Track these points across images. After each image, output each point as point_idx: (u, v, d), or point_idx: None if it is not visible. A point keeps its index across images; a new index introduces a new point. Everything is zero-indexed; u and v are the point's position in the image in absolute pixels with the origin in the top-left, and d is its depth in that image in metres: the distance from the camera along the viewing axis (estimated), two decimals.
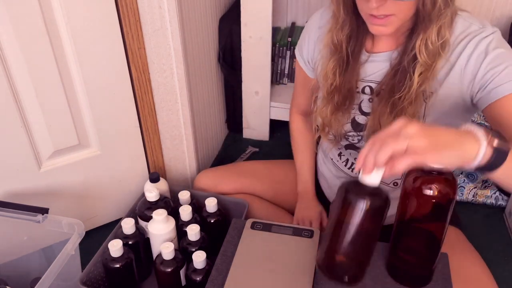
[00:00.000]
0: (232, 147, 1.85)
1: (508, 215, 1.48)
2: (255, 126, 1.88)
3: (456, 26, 0.84)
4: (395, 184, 1.03)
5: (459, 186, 1.56)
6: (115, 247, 0.98)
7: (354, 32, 0.90)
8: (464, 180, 1.56)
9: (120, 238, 1.08)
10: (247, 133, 1.91)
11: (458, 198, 1.56)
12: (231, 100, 1.84)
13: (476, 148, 0.58)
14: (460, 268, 0.88)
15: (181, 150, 1.45)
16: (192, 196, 1.20)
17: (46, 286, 0.90)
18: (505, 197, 1.53)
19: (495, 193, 1.54)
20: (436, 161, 0.58)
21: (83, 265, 1.06)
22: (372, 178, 0.60)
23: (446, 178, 0.66)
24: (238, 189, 1.23)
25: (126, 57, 1.23)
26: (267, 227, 0.88)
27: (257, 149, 1.83)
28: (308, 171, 1.20)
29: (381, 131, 0.60)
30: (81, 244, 1.01)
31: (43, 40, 1.09)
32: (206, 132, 1.61)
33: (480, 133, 0.59)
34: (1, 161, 1.17)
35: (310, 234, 0.86)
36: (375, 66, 0.92)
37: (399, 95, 0.86)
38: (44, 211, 1.04)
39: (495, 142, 0.58)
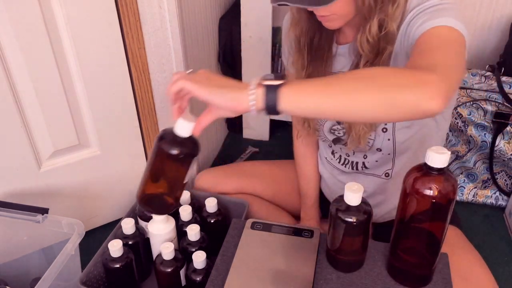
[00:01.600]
0: (232, 147, 1.85)
1: (508, 215, 1.48)
2: (255, 126, 1.88)
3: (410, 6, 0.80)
4: (387, 175, 1.03)
5: (459, 186, 1.56)
6: (115, 247, 0.98)
7: (311, 27, 0.91)
8: (464, 180, 1.56)
9: (120, 238, 1.08)
10: (247, 133, 1.92)
11: (458, 198, 1.56)
12: None
13: (246, 96, 0.60)
14: (460, 268, 0.88)
15: None
16: (192, 196, 1.20)
17: (46, 286, 0.90)
18: (505, 197, 1.53)
19: (495, 193, 1.54)
20: (207, 96, 0.62)
21: (83, 265, 1.05)
22: (180, 130, 0.68)
23: (446, 178, 0.66)
24: (238, 189, 1.23)
25: (126, 57, 1.23)
26: (267, 227, 0.88)
27: (257, 149, 1.83)
28: (312, 198, 1.21)
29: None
30: (81, 244, 1.01)
31: (43, 40, 1.09)
32: (206, 132, 1.61)
33: (253, 81, 0.61)
34: (1, 161, 1.17)
35: (310, 234, 0.86)
36: (344, 57, 0.95)
37: None
38: (44, 211, 1.04)
39: (265, 82, 0.60)
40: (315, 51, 0.95)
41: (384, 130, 0.96)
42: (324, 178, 1.18)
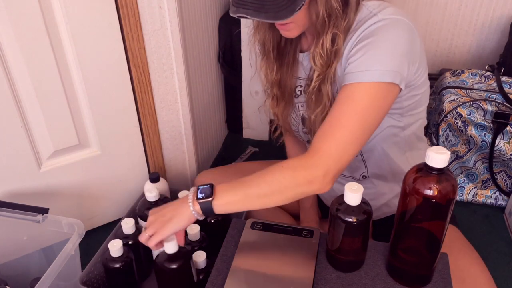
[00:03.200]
0: (232, 147, 1.85)
1: (508, 215, 1.48)
2: (255, 126, 1.88)
3: (358, 30, 0.83)
4: (364, 176, 1.04)
5: (459, 186, 1.56)
6: (115, 247, 0.98)
7: (274, 33, 0.92)
8: (464, 180, 1.56)
9: (120, 238, 1.08)
10: (247, 133, 1.92)
11: (458, 198, 1.56)
12: (231, 100, 1.84)
13: (189, 211, 0.78)
14: (458, 267, 0.88)
15: (181, 150, 1.45)
16: None
17: (46, 286, 0.90)
18: (505, 197, 1.53)
19: (495, 193, 1.54)
20: (169, 232, 0.79)
21: (83, 265, 1.05)
22: (170, 250, 0.83)
23: (446, 178, 0.66)
24: None
25: (126, 57, 1.23)
26: (267, 227, 0.88)
27: (257, 149, 1.83)
28: (310, 200, 1.21)
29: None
30: (81, 244, 1.01)
31: (43, 40, 1.09)
32: (206, 132, 1.61)
33: (190, 197, 0.79)
34: (1, 161, 1.17)
35: (310, 234, 0.86)
36: (307, 64, 0.95)
37: (309, 89, 0.90)
38: (44, 211, 1.04)
39: (199, 201, 0.78)
40: (281, 57, 0.96)
41: None
42: None
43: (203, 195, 0.78)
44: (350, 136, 0.79)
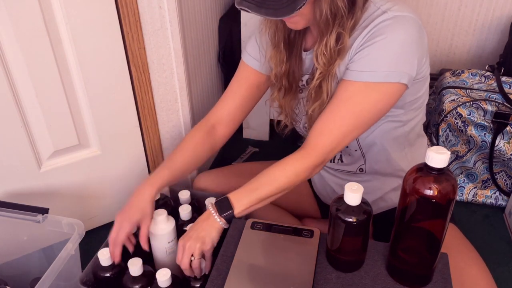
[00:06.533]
0: (232, 147, 1.85)
1: (508, 215, 1.48)
2: (255, 126, 1.88)
3: (364, 29, 0.84)
4: (361, 170, 1.04)
5: (459, 186, 1.56)
6: (105, 256, 0.96)
7: (284, 26, 0.93)
8: (464, 180, 1.56)
9: None
10: (247, 133, 1.92)
11: (458, 198, 1.56)
12: None
13: (218, 225, 0.87)
14: (459, 267, 0.88)
15: None
16: (192, 196, 1.20)
17: (46, 286, 0.90)
18: (505, 197, 1.53)
19: (495, 193, 1.54)
20: (207, 248, 0.86)
21: (83, 265, 1.05)
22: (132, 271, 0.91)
23: (446, 178, 0.66)
24: None
25: (126, 57, 1.23)
26: (267, 227, 0.88)
27: (257, 149, 1.83)
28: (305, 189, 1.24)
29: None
30: (81, 244, 1.01)
31: (43, 40, 1.09)
32: None
33: (214, 214, 0.87)
34: (1, 161, 1.17)
35: (310, 234, 0.86)
36: (310, 62, 0.96)
37: (311, 88, 0.92)
38: (44, 211, 1.04)
39: (224, 216, 0.87)
40: (291, 48, 0.97)
41: None
42: (314, 180, 1.22)
43: (224, 210, 0.87)
44: (347, 132, 0.86)
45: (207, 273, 0.90)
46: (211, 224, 0.87)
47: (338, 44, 0.84)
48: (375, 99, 0.84)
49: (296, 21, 0.85)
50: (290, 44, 0.97)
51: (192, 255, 0.85)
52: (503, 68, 1.52)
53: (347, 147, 1.01)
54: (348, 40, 0.84)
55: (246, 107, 1.10)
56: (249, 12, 0.80)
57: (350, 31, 0.84)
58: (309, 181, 1.26)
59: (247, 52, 1.06)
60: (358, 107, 0.84)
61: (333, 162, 1.08)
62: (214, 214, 0.87)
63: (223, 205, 0.87)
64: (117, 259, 0.94)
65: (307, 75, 0.99)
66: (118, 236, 0.94)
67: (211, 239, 0.86)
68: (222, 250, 0.85)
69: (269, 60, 1.00)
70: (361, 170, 1.05)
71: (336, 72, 0.88)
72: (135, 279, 0.93)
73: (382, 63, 0.81)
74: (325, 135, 0.86)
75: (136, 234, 1.00)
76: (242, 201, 0.87)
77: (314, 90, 0.91)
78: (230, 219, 0.88)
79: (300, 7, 0.77)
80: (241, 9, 0.80)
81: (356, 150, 1.01)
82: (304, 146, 0.88)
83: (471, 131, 1.46)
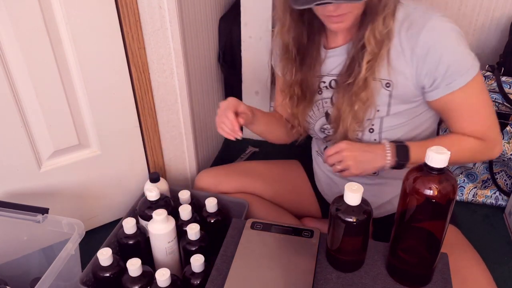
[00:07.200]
0: (232, 147, 1.85)
1: (508, 215, 1.48)
2: None
3: (398, 13, 0.88)
4: (374, 172, 1.04)
5: (459, 186, 1.56)
6: (105, 256, 0.96)
7: (300, 34, 0.96)
8: (464, 180, 1.56)
9: (121, 238, 1.08)
10: (247, 133, 1.91)
11: (458, 198, 1.56)
12: None
13: (384, 162, 0.92)
14: (459, 267, 0.88)
15: (181, 150, 1.45)
16: (192, 195, 1.20)
17: (46, 286, 0.90)
18: (505, 197, 1.53)
19: (495, 193, 1.54)
20: (359, 173, 0.93)
21: (83, 265, 1.05)
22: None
23: (446, 178, 0.66)
24: (239, 189, 1.23)
25: (126, 57, 1.23)
26: (267, 227, 0.88)
27: (257, 149, 1.83)
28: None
29: (328, 151, 0.95)
30: (81, 244, 1.01)
31: (43, 40, 1.09)
32: (206, 132, 1.61)
33: (388, 150, 0.91)
34: (1, 161, 1.17)
35: (310, 234, 0.86)
36: (335, 61, 0.98)
37: (351, 83, 0.92)
38: (44, 211, 1.04)
39: (397, 158, 0.91)
40: (303, 57, 0.98)
41: (371, 130, 0.98)
42: (316, 173, 1.21)
43: (401, 156, 0.91)
44: (494, 119, 0.97)
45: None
46: (380, 159, 0.92)
47: (385, 28, 0.87)
48: (482, 82, 0.93)
49: (345, 18, 0.86)
50: (303, 53, 0.98)
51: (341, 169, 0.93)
52: (503, 68, 1.52)
53: None
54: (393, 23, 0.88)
55: None
56: (330, 3, 0.79)
57: (392, 15, 0.88)
58: (310, 181, 1.26)
59: (275, 57, 1.09)
60: (483, 96, 0.93)
61: None
62: (388, 152, 0.91)
63: (401, 152, 0.91)
64: (236, 123, 0.96)
65: (330, 76, 0.99)
66: (228, 103, 0.98)
67: (371, 169, 0.93)
68: (222, 250, 0.86)
69: (280, 70, 1.03)
70: (374, 173, 1.04)
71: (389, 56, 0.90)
72: (135, 279, 0.94)
73: (464, 62, 0.88)
74: (495, 128, 0.96)
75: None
76: (419, 156, 0.88)
77: (358, 86, 0.91)
78: (397, 166, 0.92)
79: None
80: (318, 4, 0.79)
81: None
82: (486, 140, 0.95)
83: None
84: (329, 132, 1.05)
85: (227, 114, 0.95)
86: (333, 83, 1.00)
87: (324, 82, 1.01)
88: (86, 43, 1.15)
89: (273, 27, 1.61)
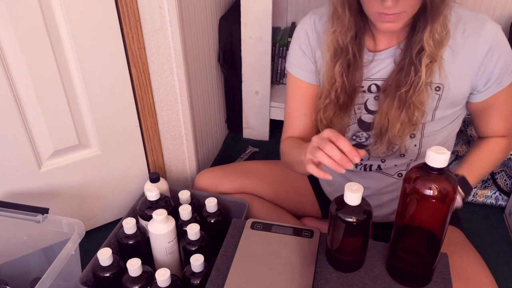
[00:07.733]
0: (232, 147, 1.85)
1: (508, 215, 1.48)
2: (255, 126, 1.88)
3: (451, 15, 0.87)
4: (400, 175, 1.03)
5: None
6: (105, 256, 0.97)
7: (357, 32, 0.90)
8: None
9: (121, 238, 1.08)
10: (247, 133, 1.92)
11: None
12: (231, 100, 1.84)
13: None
14: (460, 268, 0.88)
15: (181, 150, 1.45)
16: (192, 196, 1.21)
17: (46, 286, 0.90)
18: (505, 197, 1.53)
19: (495, 193, 1.54)
20: None
21: (83, 265, 1.05)
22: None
23: (446, 178, 0.66)
24: (239, 189, 1.23)
25: (126, 57, 1.23)
26: (267, 227, 0.88)
27: (257, 149, 1.83)
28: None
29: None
30: (81, 244, 1.01)
31: (43, 40, 1.09)
32: (206, 132, 1.61)
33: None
34: (1, 161, 1.17)
35: (310, 234, 0.86)
36: (379, 64, 0.93)
37: (406, 88, 0.88)
38: (44, 211, 1.04)
39: (465, 193, 0.89)
40: (348, 61, 0.93)
41: (412, 136, 0.96)
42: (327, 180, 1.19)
43: (466, 189, 0.90)
44: None
45: None
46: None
47: (444, 29, 0.85)
48: None
49: (400, 18, 0.81)
50: (349, 56, 0.92)
51: None
52: None
53: (403, 155, 1.00)
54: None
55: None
56: None
57: (449, 16, 0.86)
58: (311, 181, 1.26)
59: (295, 65, 1.02)
60: None
61: (369, 170, 1.05)
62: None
63: (465, 185, 0.90)
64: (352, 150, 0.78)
65: (369, 80, 0.95)
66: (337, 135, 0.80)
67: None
68: (222, 250, 0.85)
69: (326, 73, 0.95)
70: (399, 175, 1.03)
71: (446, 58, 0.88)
72: (135, 279, 0.94)
73: (511, 62, 0.90)
74: None
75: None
76: (474, 181, 0.92)
77: (424, 84, 0.88)
78: (465, 198, 0.90)
79: None
80: None
81: (411, 160, 1.01)
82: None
83: (471, 131, 1.46)
84: (360, 139, 1.01)
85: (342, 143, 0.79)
86: (373, 88, 0.95)
87: (362, 87, 0.96)
88: (86, 43, 1.15)
89: (273, 26, 1.62)
